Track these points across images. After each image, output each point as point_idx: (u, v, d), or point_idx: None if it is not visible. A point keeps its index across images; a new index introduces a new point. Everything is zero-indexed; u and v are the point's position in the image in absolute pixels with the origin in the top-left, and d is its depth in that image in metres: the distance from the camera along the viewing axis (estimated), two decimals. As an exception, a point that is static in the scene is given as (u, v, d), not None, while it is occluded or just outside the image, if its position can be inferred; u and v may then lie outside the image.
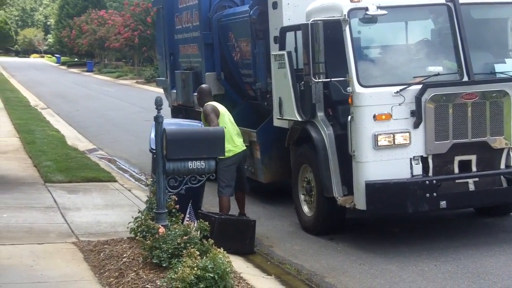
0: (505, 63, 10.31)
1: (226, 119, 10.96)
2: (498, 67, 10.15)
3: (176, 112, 16.73)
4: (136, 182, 15.34)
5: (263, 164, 12.45)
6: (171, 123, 11.55)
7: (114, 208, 12.10)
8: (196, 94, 12.02)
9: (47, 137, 20.85)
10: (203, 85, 11.95)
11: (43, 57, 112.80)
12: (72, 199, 12.73)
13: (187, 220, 9.02)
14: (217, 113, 10.86)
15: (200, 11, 14.66)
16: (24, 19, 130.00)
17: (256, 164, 12.64)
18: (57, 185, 13.94)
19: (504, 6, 10.64)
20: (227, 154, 10.24)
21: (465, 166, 9.91)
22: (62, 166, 15.71)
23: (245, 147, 11.27)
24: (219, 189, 10.83)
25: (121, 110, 31.88)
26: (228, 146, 10.39)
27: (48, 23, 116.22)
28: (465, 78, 9.75)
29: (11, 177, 14.53)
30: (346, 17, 9.67)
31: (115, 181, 14.63)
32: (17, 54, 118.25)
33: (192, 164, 8.46)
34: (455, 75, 9.86)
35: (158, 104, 8.61)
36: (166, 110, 16.79)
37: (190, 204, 9.50)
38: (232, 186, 10.87)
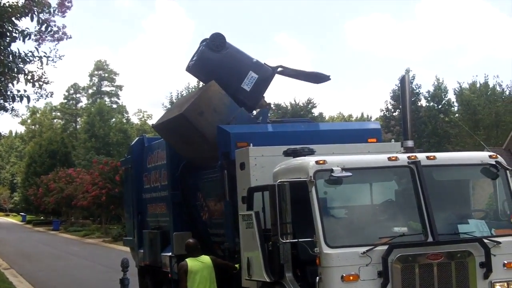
0: (468, 223, 10.48)
1: (197, 278, 11.49)
2: (462, 228, 10.30)
3: (143, 272, 16.49)
4: None
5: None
6: None
7: None
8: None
9: (9, 299, 20.42)
10: (189, 240, 12.30)
11: (8, 215, 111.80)
12: None
13: None
14: (186, 272, 11.50)
15: (169, 171, 14.85)
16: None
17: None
18: None
19: (465, 168, 10.92)
20: None
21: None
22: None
23: None
24: None
25: (87, 270, 31.38)
26: None
27: (15, 181, 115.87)
28: (430, 239, 9.88)
29: None
30: (312, 178, 9.85)
31: None
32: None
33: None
34: (420, 235, 9.99)
35: (124, 266, 8.62)
36: (133, 269, 16.70)
37: None
38: None
